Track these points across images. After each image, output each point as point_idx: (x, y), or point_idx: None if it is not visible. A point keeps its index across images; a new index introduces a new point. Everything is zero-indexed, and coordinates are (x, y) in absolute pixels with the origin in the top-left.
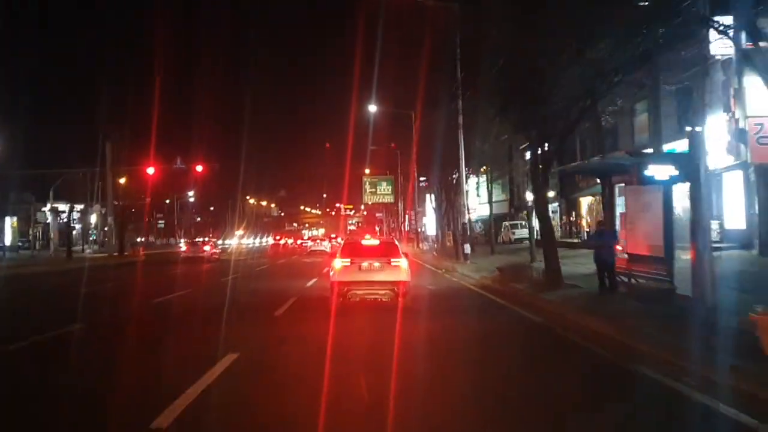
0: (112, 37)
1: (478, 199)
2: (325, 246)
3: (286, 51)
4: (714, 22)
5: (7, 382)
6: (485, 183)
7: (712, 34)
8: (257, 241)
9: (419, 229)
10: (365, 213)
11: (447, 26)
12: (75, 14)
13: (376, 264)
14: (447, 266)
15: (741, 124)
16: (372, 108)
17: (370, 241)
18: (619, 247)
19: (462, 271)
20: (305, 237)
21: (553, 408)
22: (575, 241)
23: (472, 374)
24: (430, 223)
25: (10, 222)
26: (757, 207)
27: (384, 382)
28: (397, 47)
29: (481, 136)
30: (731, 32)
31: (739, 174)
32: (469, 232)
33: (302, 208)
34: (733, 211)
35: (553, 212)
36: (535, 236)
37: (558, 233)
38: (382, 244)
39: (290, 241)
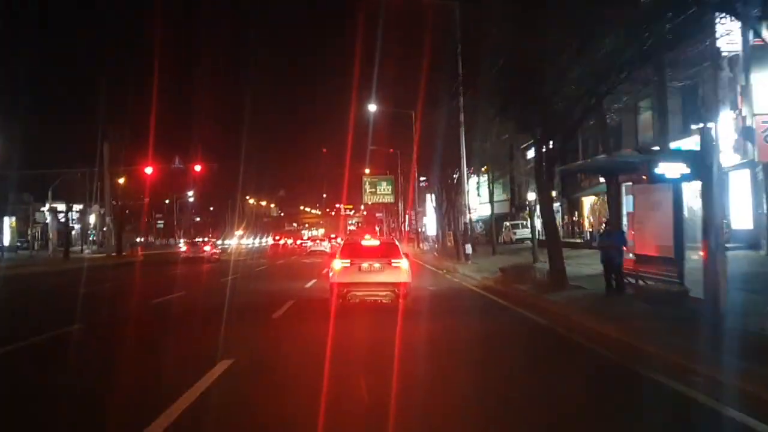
0: (111, 37)
1: (479, 198)
2: (325, 246)
3: (286, 51)
4: (732, 7)
5: None
6: (486, 182)
7: (720, 29)
8: (257, 241)
9: (419, 229)
10: (365, 213)
11: (447, 25)
12: (75, 14)
13: (377, 265)
14: (448, 267)
15: (748, 122)
16: (372, 107)
17: (370, 241)
18: (624, 248)
19: (463, 271)
20: (305, 237)
21: (556, 409)
22: (578, 241)
23: (475, 376)
24: (430, 223)
25: (8, 222)
26: (765, 206)
27: (384, 386)
28: (397, 47)
29: (481, 136)
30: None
31: (746, 173)
32: (470, 232)
33: (302, 208)
34: (740, 210)
35: (554, 212)
36: (537, 236)
37: (560, 233)
38: (383, 244)
39: (290, 241)
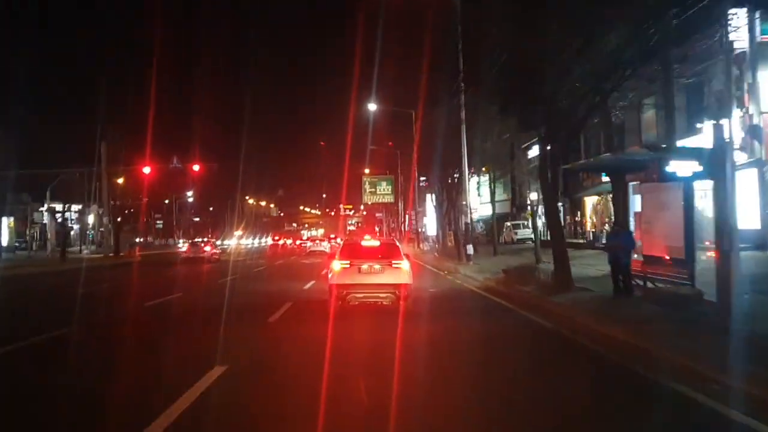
0: (111, 36)
1: (479, 198)
2: (324, 246)
3: (286, 51)
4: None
5: None
6: (486, 182)
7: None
8: (256, 241)
9: (419, 230)
10: (365, 213)
11: (447, 24)
12: (74, 14)
13: (377, 266)
14: (449, 267)
15: (755, 120)
16: (372, 107)
17: (370, 242)
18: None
19: (465, 272)
20: (304, 237)
21: (561, 412)
22: (581, 241)
23: (478, 380)
24: (430, 223)
25: (6, 222)
26: None
27: (385, 390)
28: (397, 46)
29: (482, 135)
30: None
31: (753, 172)
32: (471, 232)
33: (301, 208)
34: (747, 210)
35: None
36: (540, 236)
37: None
38: (383, 245)
39: (289, 241)
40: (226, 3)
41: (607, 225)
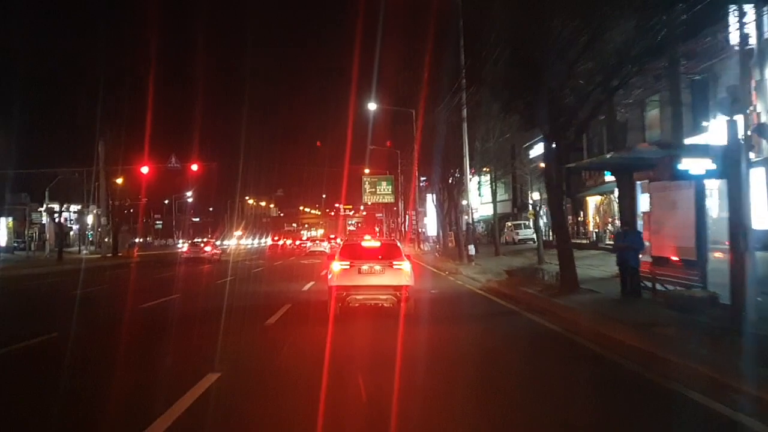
0: (109, 36)
1: (480, 198)
2: (324, 247)
3: (285, 51)
4: None
5: None
6: (487, 182)
7: (733, 19)
8: (256, 241)
9: (420, 230)
10: (365, 213)
11: (449, 18)
12: (73, 14)
13: (377, 267)
14: (450, 268)
15: (763, 119)
16: (372, 106)
17: (370, 242)
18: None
19: (467, 273)
20: (304, 238)
21: (570, 422)
22: (584, 242)
23: (482, 386)
24: (430, 224)
25: (5, 223)
26: None
27: (386, 395)
28: (398, 45)
29: (483, 134)
30: None
31: (761, 171)
32: (472, 233)
33: (301, 208)
34: (755, 210)
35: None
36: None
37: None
38: (384, 245)
39: (288, 242)
40: (226, 3)
41: (610, 225)
